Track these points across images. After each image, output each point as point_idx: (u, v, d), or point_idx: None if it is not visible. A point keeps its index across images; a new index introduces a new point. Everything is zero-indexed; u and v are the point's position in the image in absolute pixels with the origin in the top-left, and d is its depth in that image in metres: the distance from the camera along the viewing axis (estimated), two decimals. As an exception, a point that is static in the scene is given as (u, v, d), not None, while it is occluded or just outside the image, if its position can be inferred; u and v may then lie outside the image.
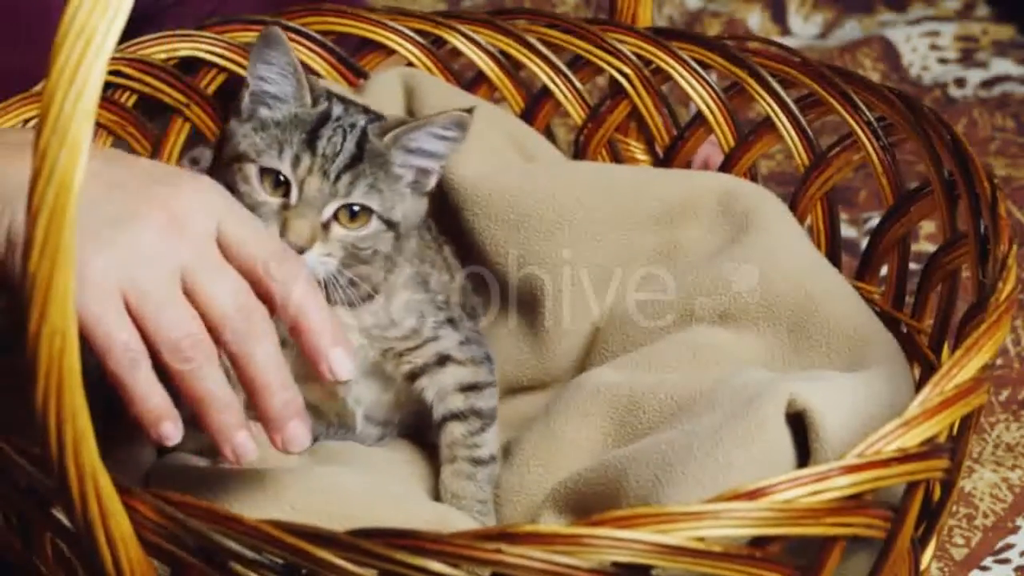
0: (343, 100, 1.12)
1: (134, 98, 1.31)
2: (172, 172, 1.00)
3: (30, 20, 1.38)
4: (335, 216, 1.06)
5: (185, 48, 1.32)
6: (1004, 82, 1.88)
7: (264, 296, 0.95)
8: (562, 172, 1.24)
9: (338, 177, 1.06)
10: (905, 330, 1.17)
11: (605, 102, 1.34)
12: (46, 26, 1.34)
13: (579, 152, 1.35)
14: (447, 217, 1.22)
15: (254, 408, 0.94)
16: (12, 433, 0.86)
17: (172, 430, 0.91)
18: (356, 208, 1.06)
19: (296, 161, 1.06)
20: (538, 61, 1.34)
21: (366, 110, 1.13)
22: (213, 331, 0.93)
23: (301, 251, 1.04)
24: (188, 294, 0.93)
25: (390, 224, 1.08)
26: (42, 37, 1.32)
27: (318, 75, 1.34)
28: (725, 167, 1.30)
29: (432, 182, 1.12)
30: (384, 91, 1.28)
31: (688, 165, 1.34)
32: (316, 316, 0.96)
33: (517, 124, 1.32)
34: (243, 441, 0.93)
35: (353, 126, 1.08)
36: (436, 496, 1.11)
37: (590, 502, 1.04)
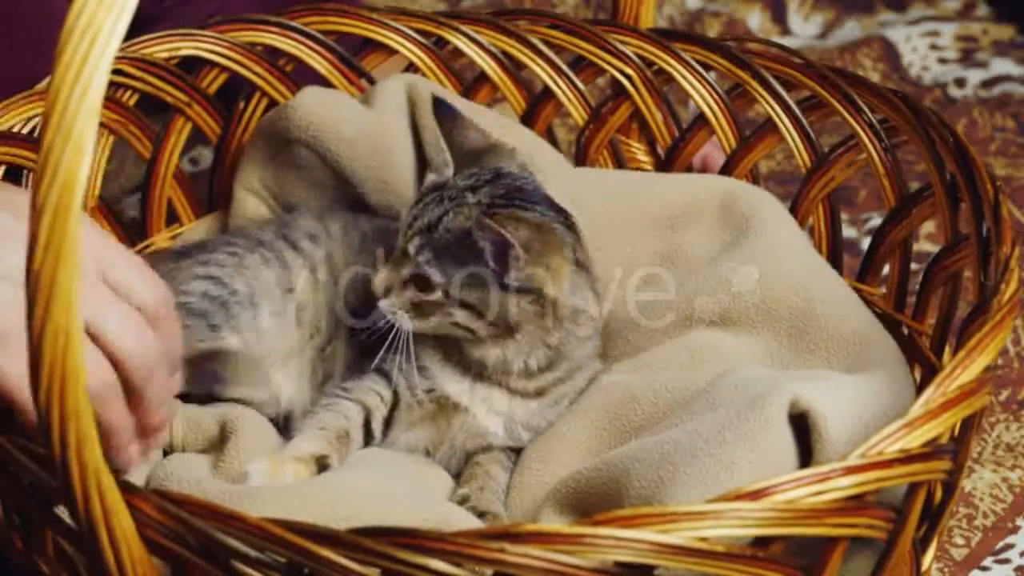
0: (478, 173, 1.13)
1: (135, 97, 1.31)
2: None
3: (31, 21, 1.38)
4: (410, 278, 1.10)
5: (187, 47, 1.32)
6: (1004, 82, 1.88)
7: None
8: (563, 180, 1.25)
9: (412, 242, 1.10)
10: (906, 332, 1.17)
11: (607, 103, 1.34)
12: (48, 27, 1.34)
13: (580, 153, 1.35)
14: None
15: (145, 423, 1.01)
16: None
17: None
18: (420, 275, 1.10)
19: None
20: (540, 62, 1.34)
21: (497, 175, 1.13)
22: (116, 366, 0.98)
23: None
24: (92, 337, 0.96)
25: (461, 303, 1.09)
26: (44, 38, 1.33)
27: (319, 75, 1.35)
28: (726, 168, 1.30)
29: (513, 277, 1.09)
30: (389, 101, 1.28)
31: (689, 166, 1.34)
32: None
33: (519, 130, 1.32)
34: (134, 451, 1.02)
35: (451, 199, 1.10)
36: (439, 494, 1.11)
37: (592, 501, 1.04)
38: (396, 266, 1.11)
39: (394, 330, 1.11)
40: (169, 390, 1.03)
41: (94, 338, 0.97)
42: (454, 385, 1.13)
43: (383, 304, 1.11)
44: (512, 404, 1.13)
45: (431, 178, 1.15)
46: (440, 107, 1.18)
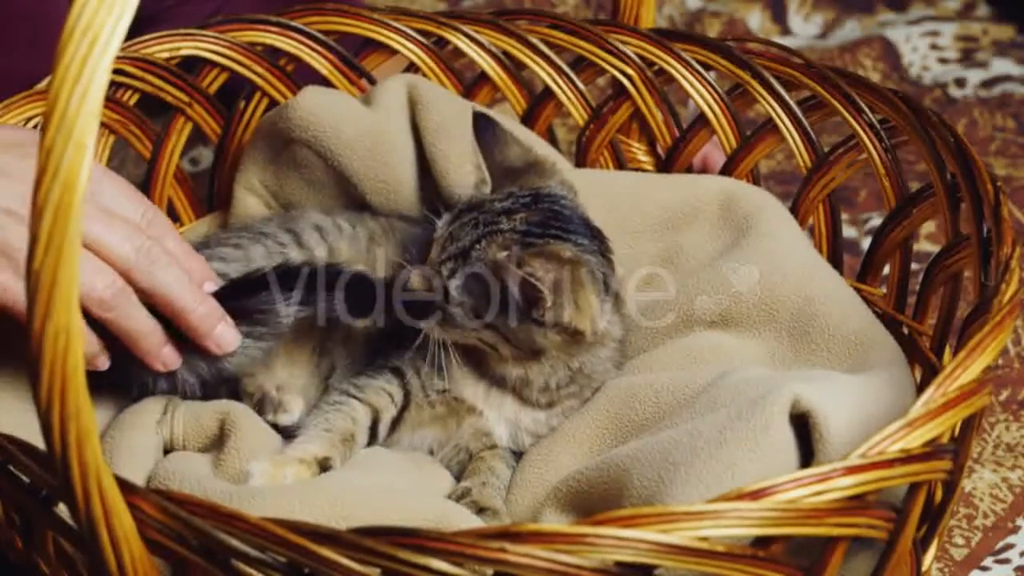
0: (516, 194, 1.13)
1: (136, 97, 1.31)
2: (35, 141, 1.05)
3: (30, 22, 1.38)
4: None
5: (187, 47, 1.32)
6: (1004, 82, 1.88)
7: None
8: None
9: (445, 265, 1.11)
10: (907, 332, 1.17)
11: (607, 103, 1.34)
12: (46, 28, 1.34)
13: (581, 153, 1.35)
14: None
15: (181, 328, 1.08)
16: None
17: (105, 362, 1.09)
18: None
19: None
20: (540, 62, 1.34)
21: (536, 198, 1.12)
22: (122, 275, 1.05)
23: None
24: (87, 247, 1.04)
25: (488, 326, 1.09)
26: (42, 39, 1.33)
27: (319, 75, 1.35)
28: (727, 168, 1.30)
29: (547, 316, 1.09)
30: (389, 101, 1.28)
31: (690, 166, 1.34)
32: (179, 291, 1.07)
33: (520, 132, 1.32)
34: (168, 353, 1.09)
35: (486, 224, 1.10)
36: (440, 493, 1.11)
37: (593, 501, 1.04)
38: (428, 275, 1.11)
39: (423, 334, 1.11)
40: (191, 281, 1.08)
41: (95, 252, 1.05)
42: (470, 388, 1.13)
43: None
44: (521, 413, 1.14)
45: (470, 193, 1.15)
46: (480, 122, 1.18)
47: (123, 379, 1.13)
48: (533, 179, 1.15)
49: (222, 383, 1.14)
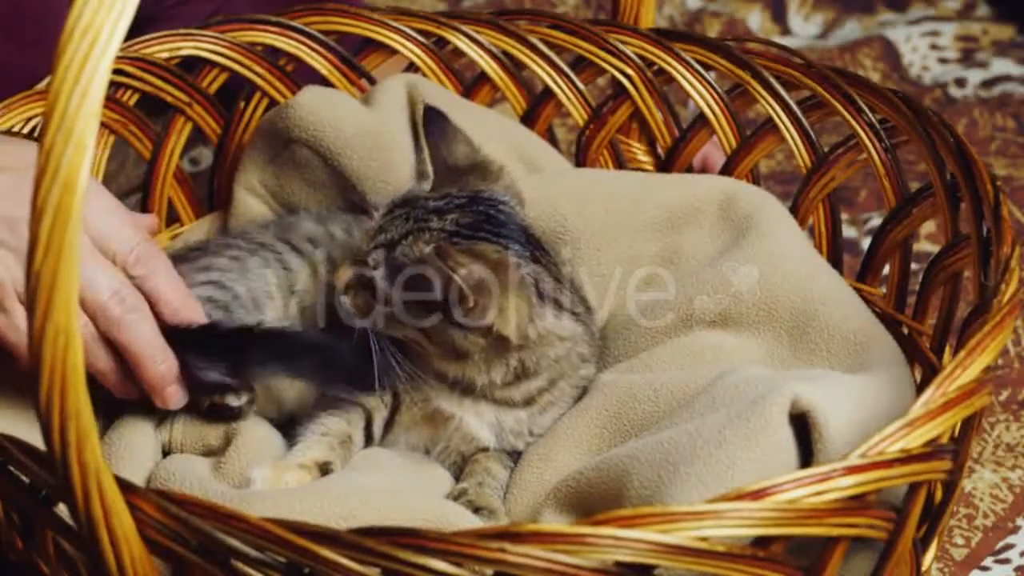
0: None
1: (136, 97, 1.31)
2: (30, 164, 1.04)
3: (34, 20, 1.38)
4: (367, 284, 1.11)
5: (187, 47, 1.32)
6: (1004, 82, 1.88)
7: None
8: (563, 182, 1.25)
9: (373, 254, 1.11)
10: (906, 332, 1.17)
11: (607, 103, 1.34)
12: (50, 26, 1.34)
13: (581, 153, 1.35)
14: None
15: (137, 377, 1.08)
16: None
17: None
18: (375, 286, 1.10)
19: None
20: (540, 62, 1.34)
21: (472, 200, 1.11)
22: (91, 317, 1.05)
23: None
24: None
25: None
26: (46, 37, 1.33)
27: (319, 75, 1.35)
28: (727, 168, 1.30)
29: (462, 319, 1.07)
30: (389, 101, 1.28)
31: (690, 166, 1.34)
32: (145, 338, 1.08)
33: (521, 132, 1.32)
34: (130, 387, 1.10)
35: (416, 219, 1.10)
36: (439, 493, 1.11)
37: (592, 501, 1.04)
38: (357, 267, 1.10)
39: (358, 330, 1.10)
40: (158, 343, 1.08)
41: None
42: (443, 397, 1.13)
43: (342, 299, 1.10)
44: (500, 414, 1.13)
45: (409, 186, 1.14)
46: (430, 116, 1.17)
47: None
48: (476, 181, 1.14)
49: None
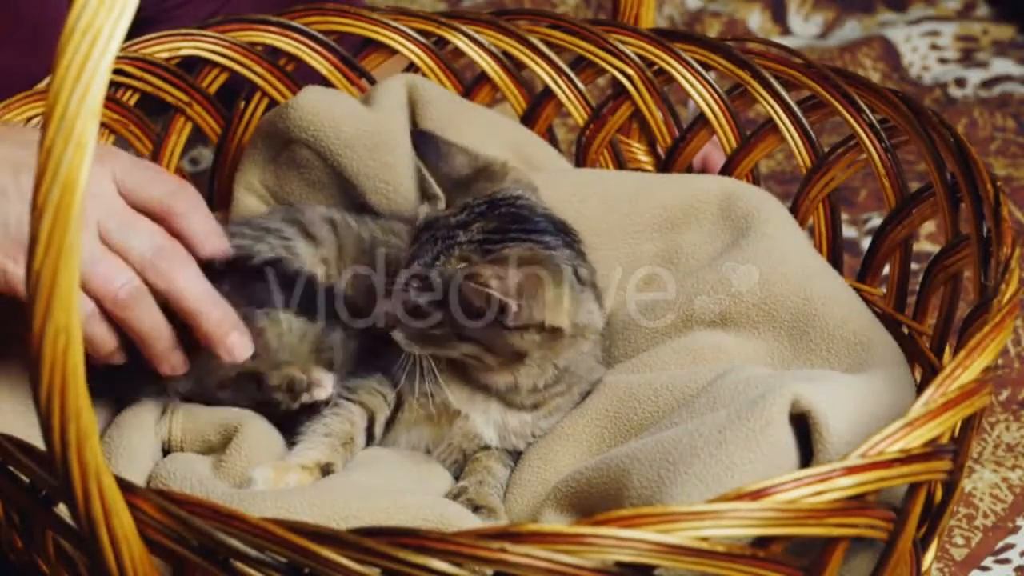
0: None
1: (136, 97, 1.31)
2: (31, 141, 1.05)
3: (33, 24, 1.38)
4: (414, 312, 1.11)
5: (187, 47, 1.32)
6: (1004, 82, 1.88)
7: (172, 230, 1.08)
8: (563, 182, 1.25)
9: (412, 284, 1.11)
10: (906, 332, 1.17)
11: (607, 103, 1.34)
12: (48, 30, 1.34)
13: (581, 153, 1.35)
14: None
15: (193, 332, 1.07)
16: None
17: (121, 358, 1.08)
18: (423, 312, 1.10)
19: None
20: (540, 62, 1.34)
21: (491, 204, 1.11)
22: (139, 272, 1.05)
23: None
24: (108, 245, 1.04)
25: (466, 338, 1.09)
26: (44, 41, 1.33)
27: (319, 75, 1.35)
28: (727, 168, 1.30)
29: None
30: (389, 100, 1.28)
31: (690, 166, 1.34)
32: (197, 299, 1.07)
33: (521, 132, 1.32)
34: (177, 357, 1.09)
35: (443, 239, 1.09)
36: (439, 492, 1.11)
37: (592, 501, 1.04)
38: (396, 299, 1.10)
39: (405, 354, 1.10)
40: (211, 289, 1.07)
41: (112, 249, 1.05)
42: (455, 393, 1.13)
43: (395, 336, 1.10)
44: (507, 416, 1.13)
45: (424, 211, 1.13)
46: (419, 139, 1.16)
47: (126, 383, 1.14)
48: (485, 184, 1.14)
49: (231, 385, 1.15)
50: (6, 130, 1.12)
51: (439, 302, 1.07)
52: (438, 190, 1.13)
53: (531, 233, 1.09)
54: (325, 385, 1.12)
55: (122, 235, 1.05)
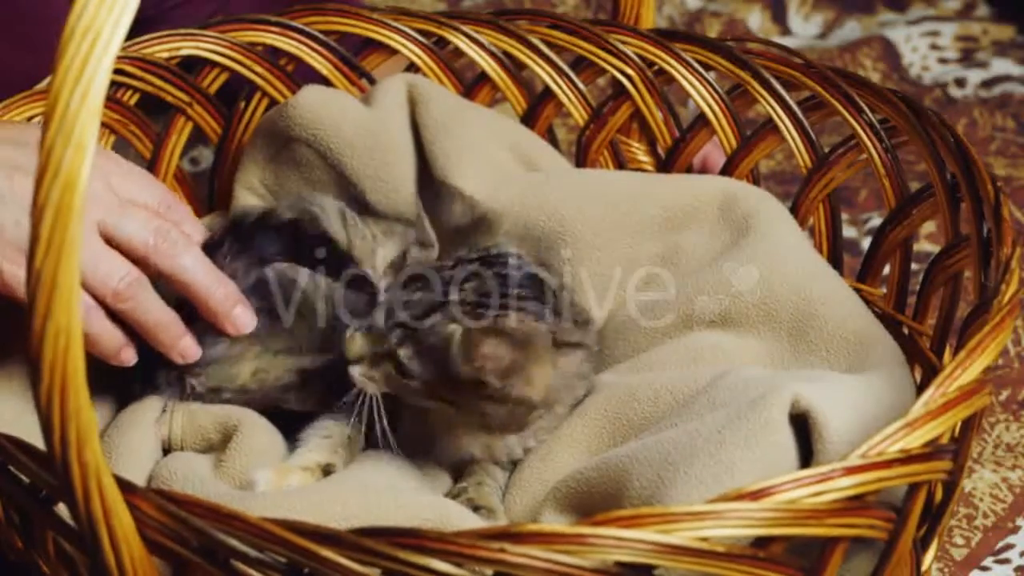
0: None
1: (136, 97, 1.31)
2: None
3: (34, 21, 1.38)
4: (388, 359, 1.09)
5: (187, 47, 1.32)
6: (1004, 82, 1.88)
7: None
8: (563, 182, 1.25)
9: (394, 333, 1.09)
10: (907, 332, 1.17)
11: (607, 103, 1.34)
12: (50, 28, 1.34)
13: (581, 153, 1.35)
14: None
15: (200, 309, 1.09)
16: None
17: (131, 355, 1.09)
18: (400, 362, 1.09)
19: None
20: (540, 62, 1.34)
21: (484, 262, 1.10)
22: (140, 262, 1.06)
23: None
24: (108, 240, 1.06)
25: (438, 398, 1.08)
26: (46, 39, 1.33)
27: (319, 75, 1.35)
28: (727, 169, 1.30)
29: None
30: (389, 100, 1.28)
31: (690, 166, 1.34)
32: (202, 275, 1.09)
33: (520, 132, 1.32)
34: (187, 344, 1.11)
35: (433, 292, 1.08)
36: (439, 493, 1.11)
37: (592, 501, 1.04)
38: (375, 342, 1.07)
39: (361, 393, 1.08)
40: (214, 268, 1.10)
41: (113, 243, 1.07)
42: (437, 419, 1.12)
43: (353, 370, 1.07)
44: (490, 440, 1.12)
45: (415, 254, 1.12)
46: (423, 181, 1.16)
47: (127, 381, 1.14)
48: (481, 238, 1.13)
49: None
50: (3, 130, 1.13)
51: (420, 356, 1.06)
52: (434, 238, 1.12)
53: (522, 300, 1.08)
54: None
55: (119, 226, 1.07)
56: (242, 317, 1.11)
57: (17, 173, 1.05)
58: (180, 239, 1.09)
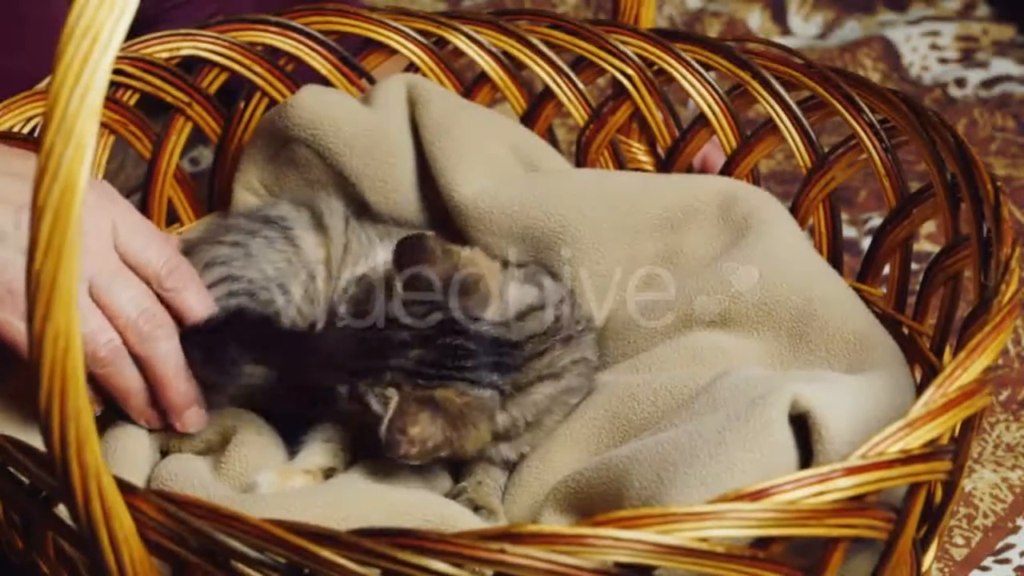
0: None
1: (136, 97, 1.31)
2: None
3: (33, 23, 1.38)
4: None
5: (187, 47, 1.32)
6: (1004, 82, 1.88)
7: (162, 298, 1.10)
8: (562, 182, 1.25)
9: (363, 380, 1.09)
10: (907, 332, 1.17)
11: (607, 103, 1.34)
12: (49, 29, 1.34)
13: (581, 153, 1.35)
14: (451, 232, 1.22)
15: (156, 395, 1.09)
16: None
17: (96, 410, 1.08)
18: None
19: None
20: (540, 62, 1.34)
21: (440, 328, 1.08)
22: (120, 332, 1.07)
23: None
24: (95, 300, 1.05)
25: None
26: (44, 40, 1.33)
27: (319, 75, 1.35)
28: (727, 169, 1.30)
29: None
30: (389, 100, 1.28)
31: (690, 166, 1.34)
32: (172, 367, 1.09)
33: (520, 132, 1.32)
34: (152, 414, 1.10)
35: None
36: (439, 493, 1.11)
37: (592, 502, 1.04)
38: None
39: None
40: (184, 363, 1.09)
41: (99, 304, 1.06)
42: None
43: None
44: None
45: (395, 306, 1.09)
46: (403, 248, 1.11)
47: None
48: (461, 299, 1.08)
49: None
50: (9, 163, 1.12)
51: (355, 405, 1.07)
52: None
53: (466, 372, 1.06)
54: None
55: (111, 292, 1.06)
56: (192, 418, 1.11)
57: (24, 211, 1.03)
58: (163, 327, 1.08)
